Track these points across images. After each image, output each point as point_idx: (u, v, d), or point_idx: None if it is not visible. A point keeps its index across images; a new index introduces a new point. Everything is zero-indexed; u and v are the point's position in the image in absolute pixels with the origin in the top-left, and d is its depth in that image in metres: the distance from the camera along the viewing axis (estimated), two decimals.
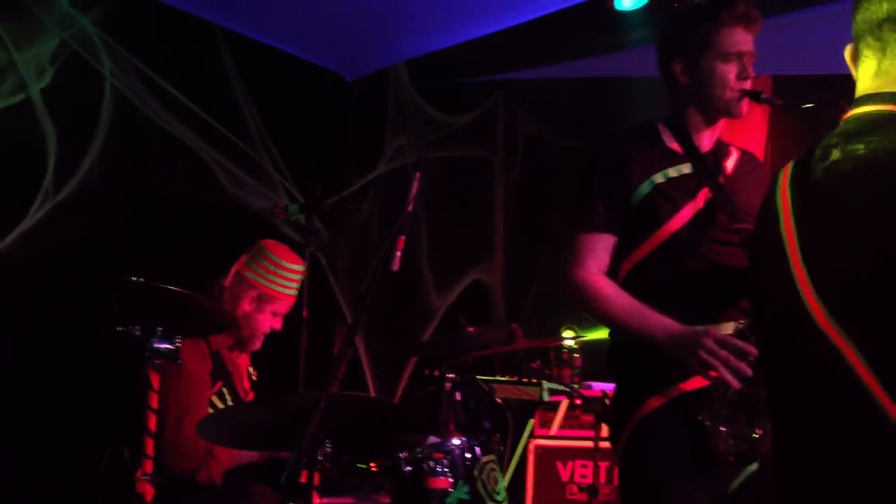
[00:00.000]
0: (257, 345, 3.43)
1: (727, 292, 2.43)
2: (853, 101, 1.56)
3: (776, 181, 1.57)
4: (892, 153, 1.42)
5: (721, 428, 2.27)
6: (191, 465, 3.12)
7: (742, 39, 2.45)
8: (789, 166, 1.57)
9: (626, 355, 2.48)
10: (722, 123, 2.56)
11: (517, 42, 4.93)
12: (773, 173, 1.60)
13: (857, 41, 1.57)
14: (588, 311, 2.48)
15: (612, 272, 2.48)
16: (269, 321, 3.39)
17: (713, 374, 2.25)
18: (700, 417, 2.29)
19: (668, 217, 2.42)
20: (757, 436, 2.28)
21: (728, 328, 2.36)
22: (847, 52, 1.60)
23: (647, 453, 2.36)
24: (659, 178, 2.45)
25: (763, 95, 2.48)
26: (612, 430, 2.53)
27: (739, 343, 2.25)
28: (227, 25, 4.54)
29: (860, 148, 1.45)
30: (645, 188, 2.44)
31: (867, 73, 1.55)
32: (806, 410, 1.47)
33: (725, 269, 2.43)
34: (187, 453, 3.11)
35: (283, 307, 3.42)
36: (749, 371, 2.22)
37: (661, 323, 2.33)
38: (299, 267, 3.43)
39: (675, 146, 2.51)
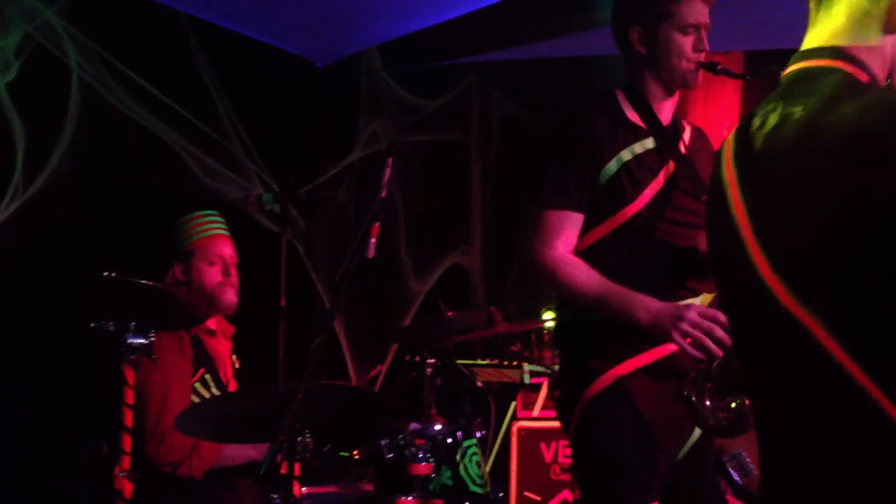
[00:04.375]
0: (228, 299, 3.35)
1: (683, 273, 2.46)
2: (799, 52, 1.48)
3: (720, 156, 1.50)
4: (830, 114, 1.34)
5: (706, 402, 2.28)
6: (176, 457, 3.11)
7: (700, 11, 2.47)
8: (730, 139, 1.49)
9: (575, 334, 2.48)
10: (677, 96, 2.56)
11: (489, 24, 4.90)
12: (717, 150, 1.55)
13: None
14: (559, 291, 2.46)
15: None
16: (209, 272, 3.33)
17: (690, 344, 2.26)
18: (686, 393, 2.30)
19: (632, 197, 2.42)
20: (737, 406, 2.29)
21: (707, 300, 2.40)
22: None
23: (599, 430, 2.38)
24: (626, 154, 2.44)
25: (719, 67, 2.48)
26: (561, 409, 2.52)
27: (721, 315, 2.25)
28: (195, 13, 4.49)
29: (797, 110, 1.38)
30: (613, 166, 2.43)
31: (819, 20, 1.47)
32: (781, 391, 1.45)
33: (681, 250, 2.46)
34: (173, 444, 3.09)
35: (213, 251, 3.36)
36: (729, 340, 2.24)
37: (639, 300, 2.33)
38: (199, 212, 3.41)
39: (636, 119, 2.50)
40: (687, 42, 2.45)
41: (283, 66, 4.98)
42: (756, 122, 1.44)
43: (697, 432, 2.44)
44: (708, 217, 1.61)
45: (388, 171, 2.52)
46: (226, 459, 3.22)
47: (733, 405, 2.29)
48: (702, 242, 2.43)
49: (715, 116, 4.76)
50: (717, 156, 1.51)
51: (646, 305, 2.33)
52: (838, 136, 1.32)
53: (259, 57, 4.81)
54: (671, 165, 2.46)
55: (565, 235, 2.42)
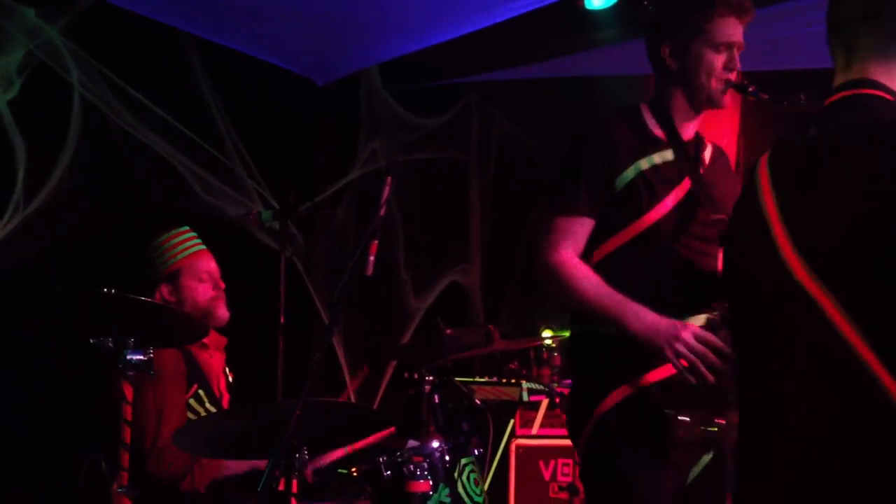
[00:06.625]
0: (221, 313, 3.34)
1: (697, 289, 2.44)
2: (833, 89, 1.68)
3: (756, 164, 1.69)
4: (866, 128, 1.56)
5: (681, 417, 2.28)
6: (177, 471, 3.10)
7: (734, 30, 2.46)
8: (768, 151, 1.70)
9: (587, 348, 2.46)
10: (704, 114, 2.55)
11: (489, 43, 4.94)
12: (752, 163, 1.71)
13: (837, 31, 1.68)
14: (559, 294, 2.43)
15: (584, 258, 2.44)
16: (200, 290, 3.32)
17: (684, 363, 2.26)
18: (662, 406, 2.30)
19: (648, 207, 2.40)
20: (717, 427, 2.30)
21: (699, 320, 2.38)
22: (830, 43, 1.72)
23: (610, 447, 2.35)
24: (644, 164, 2.43)
25: (751, 89, 2.45)
26: (571, 425, 2.49)
27: (714, 338, 2.27)
28: (197, 33, 4.52)
29: (837, 126, 1.60)
30: (629, 174, 2.42)
31: (845, 62, 1.67)
32: (780, 366, 1.53)
33: (697, 266, 2.44)
34: (173, 459, 3.09)
35: (200, 268, 3.34)
36: (720, 364, 2.24)
37: (634, 310, 2.31)
38: (175, 231, 3.39)
39: (658, 132, 2.49)
40: (718, 60, 2.45)
41: (284, 85, 5.02)
42: (795, 138, 1.66)
43: (710, 452, 2.40)
44: (734, 212, 1.79)
45: (387, 190, 2.53)
46: (228, 469, 3.21)
47: (710, 422, 2.29)
48: (717, 257, 2.42)
49: (713, 135, 4.78)
50: (753, 165, 1.70)
51: (639, 316, 2.30)
52: (879, 145, 1.52)
53: (259, 75, 4.84)
54: (688, 181, 2.46)
55: (573, 240, 2.41)
